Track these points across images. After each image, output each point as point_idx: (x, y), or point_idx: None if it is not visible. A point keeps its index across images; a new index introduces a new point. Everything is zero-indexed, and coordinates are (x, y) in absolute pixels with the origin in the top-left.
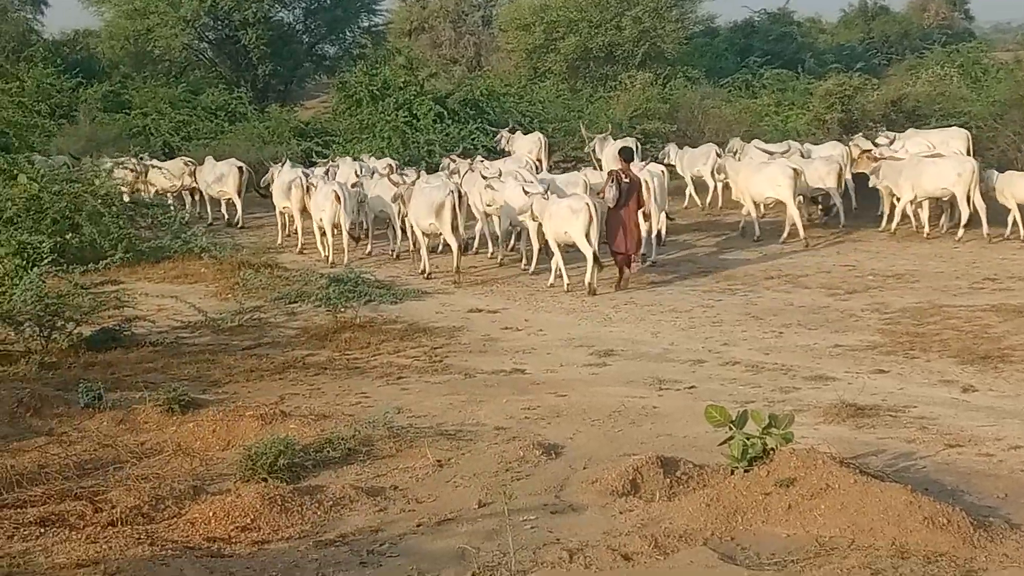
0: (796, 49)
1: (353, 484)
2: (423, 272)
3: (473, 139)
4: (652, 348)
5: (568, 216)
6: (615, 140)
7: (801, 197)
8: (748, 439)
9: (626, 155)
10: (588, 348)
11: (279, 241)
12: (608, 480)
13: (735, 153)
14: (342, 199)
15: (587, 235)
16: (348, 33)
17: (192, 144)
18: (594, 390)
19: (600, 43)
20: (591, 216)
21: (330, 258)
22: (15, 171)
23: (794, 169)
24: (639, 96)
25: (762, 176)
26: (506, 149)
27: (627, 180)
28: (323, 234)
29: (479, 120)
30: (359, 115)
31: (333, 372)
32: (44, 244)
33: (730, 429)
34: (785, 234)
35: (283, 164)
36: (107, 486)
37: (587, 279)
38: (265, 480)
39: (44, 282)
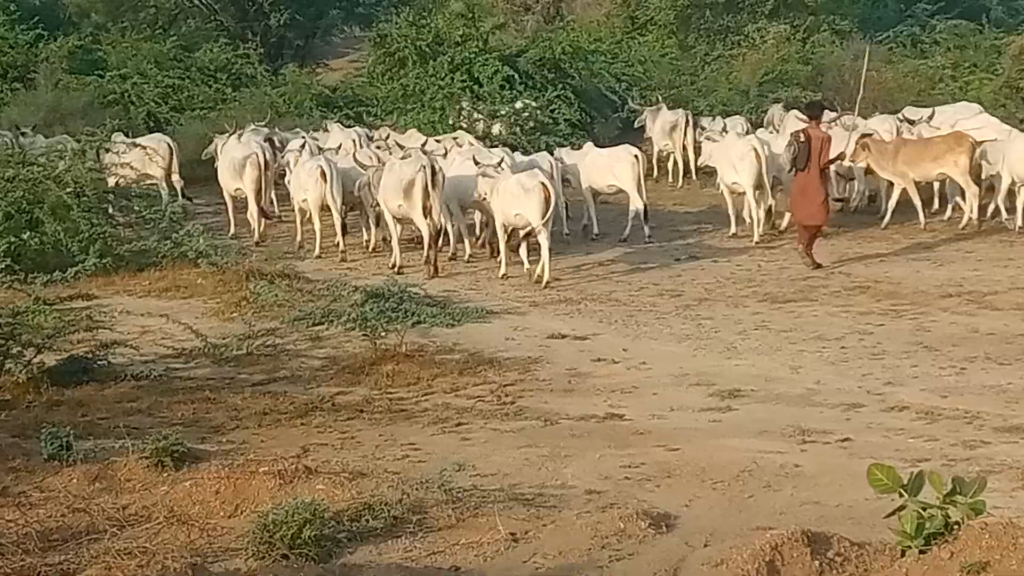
0: None
1: (401, 564)
2: (393, 266)
3: (552, 110)
4: (792, 388)
5: (519, 194)
6: (669, 110)
7: None
8: (924, 509)
9: (813, 111)
10: (707, 387)
11: (233, 232)
12: (738, 562)
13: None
14: (329, 177)
15: (543, 217)
16: None
17: (185, 115)
18: (715, 443)
19: None
20: (547, 196)
21: (316, 250)
22: None
23: (755, 148)
24: (771, 55)
25: (730, 155)
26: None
27: (803, 140)
28: (306, 219)
29: (560, 85)
30: (403, 79)
31: (372, 416)
32: None
33: (900, 496)
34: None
35: (230, 135)
36: (80, 563)
37: (539, 270)
38: (285, 557)
39: None
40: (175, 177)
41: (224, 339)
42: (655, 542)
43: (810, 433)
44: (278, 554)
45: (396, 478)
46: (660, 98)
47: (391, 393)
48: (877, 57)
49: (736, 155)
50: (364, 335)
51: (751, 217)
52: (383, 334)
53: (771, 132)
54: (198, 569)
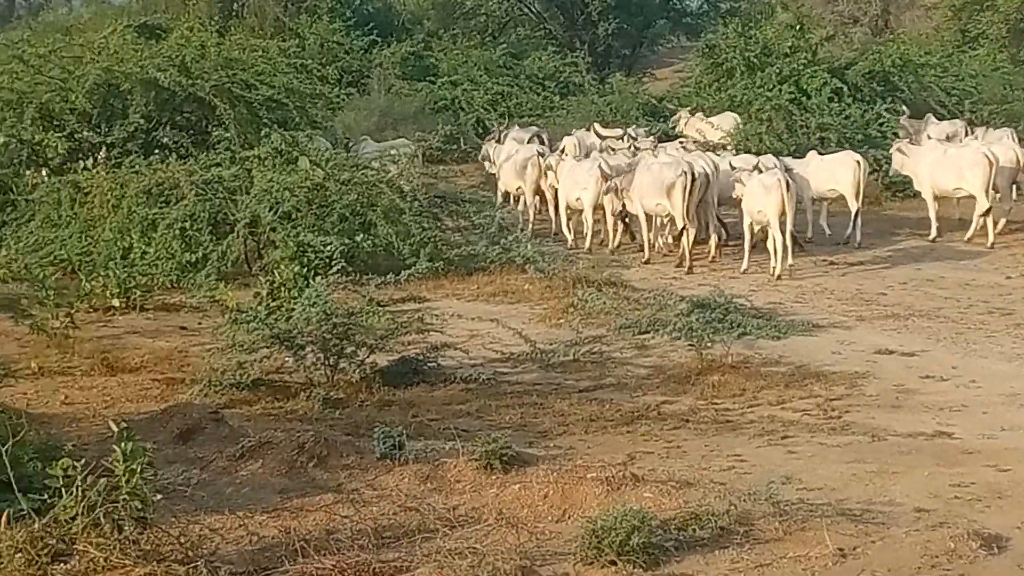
0: None
1: (728, 574)
2: (646, 261)
3: (882, 123)
4: None
5: (760, 193)
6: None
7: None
8: None
9: None
10: None
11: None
12: None
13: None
14: (609, 176)
15: (780, 214)
16: None
17: (512, 123)
18: None
19: None
20: (784, 194)
21: (587, 245)
22: (295, 153)
23: (987, 156)
24: None
25: (961, 162)
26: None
27: None
28: (570, 216)
29: (889, 99)
30: (730, 90)
31: (697, 426)
32: (330, 247)
33: None
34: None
35: (502, 135)
36: (413, 561)
37: (776, 266)
38: (614, 563)
39: (331, 296)
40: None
41: (551, 345)
42: (987, 563)
43: None
44: (606, 560)
45: (722, 489)
46: (929, 115)
47: (716, 404)
48: None
49: (967, 162)
50: (690, 345)
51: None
52: (709, 344)
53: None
54: (528, 572)
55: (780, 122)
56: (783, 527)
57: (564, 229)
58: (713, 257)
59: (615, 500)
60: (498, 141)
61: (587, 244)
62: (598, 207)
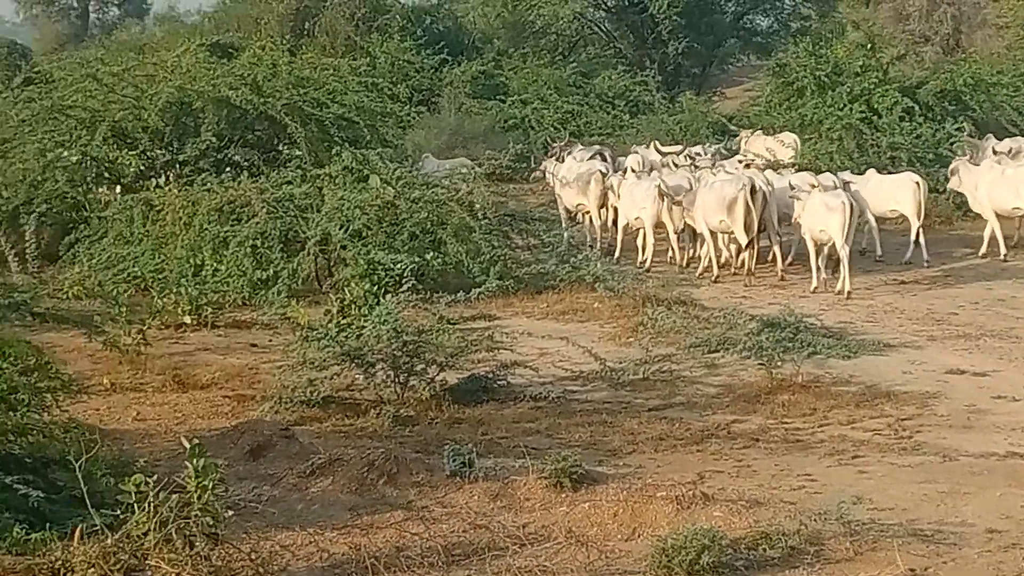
0: None
1: None
2: (715, 279)
3: (953, 143)
4: None
5: (823, 213)
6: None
7: None
8: None
9: None
10: None
11: (594, 243)
12: None
13: (972, 152)
14: (667, 196)
15: (844, 234)
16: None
17: (583, 141)
18: None
19: None
20: (847, 216)
21: (647, 264)
22: (366, 171)
23: None
24: None
25: (1007, 182)
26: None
27: None
28: (625, 232)
29: (960, 118)
30: (800, 108)
31: (767, 445)
32: (400, 265)
33: None
34: None
35: (562, 152)
36: None
37: (842, 285)
38: None
39: (401, 313)
40: None
41: (621, 363)
42: None
43: None
44: None
45: (792, 508)
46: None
47: (786, 423)
48: None
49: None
50: (760, 364)
51: None
52: (779, 363)
53: None
54: None
55: (851, 141)
56: (854, 547)
57: (617, 242)
58: (781, 276)
59: (685, 519)
60: (558, 160)
61: (647, 263)
62: (660, 225)
